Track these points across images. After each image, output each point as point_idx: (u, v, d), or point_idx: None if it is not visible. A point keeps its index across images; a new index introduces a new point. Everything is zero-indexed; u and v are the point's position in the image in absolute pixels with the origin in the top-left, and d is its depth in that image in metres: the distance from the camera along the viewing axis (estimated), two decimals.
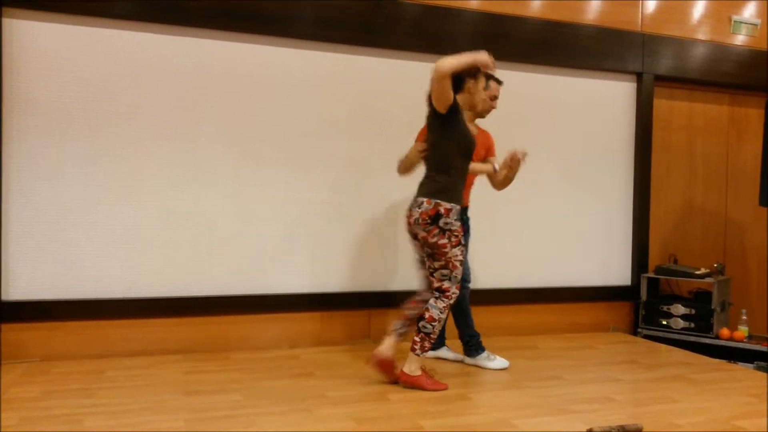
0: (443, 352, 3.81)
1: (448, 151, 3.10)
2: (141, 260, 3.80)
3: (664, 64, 4.92)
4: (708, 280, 4.52)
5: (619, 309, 4.89)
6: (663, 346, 4.38)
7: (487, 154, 3.67)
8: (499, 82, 3.64)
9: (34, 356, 3.60)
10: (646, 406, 2.99)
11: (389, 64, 4.26)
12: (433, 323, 3.11)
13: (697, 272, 4.58)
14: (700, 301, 4.61)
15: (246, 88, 3.97)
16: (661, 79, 4.96)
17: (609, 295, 4.85)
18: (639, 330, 4.72)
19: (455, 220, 3.08)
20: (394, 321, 3.29)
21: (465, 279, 3.60)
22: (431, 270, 3.14)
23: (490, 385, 3.31)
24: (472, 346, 3.66)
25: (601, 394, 3.17)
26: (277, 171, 4.04)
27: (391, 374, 3.22)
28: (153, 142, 3.81)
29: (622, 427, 2.60)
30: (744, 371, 3.73)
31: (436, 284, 3.13)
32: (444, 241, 3.06)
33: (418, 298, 3.26)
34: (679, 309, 4.56)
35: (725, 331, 4.44)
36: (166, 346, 3.83)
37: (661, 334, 4.60)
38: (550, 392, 3.20)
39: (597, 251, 4.87)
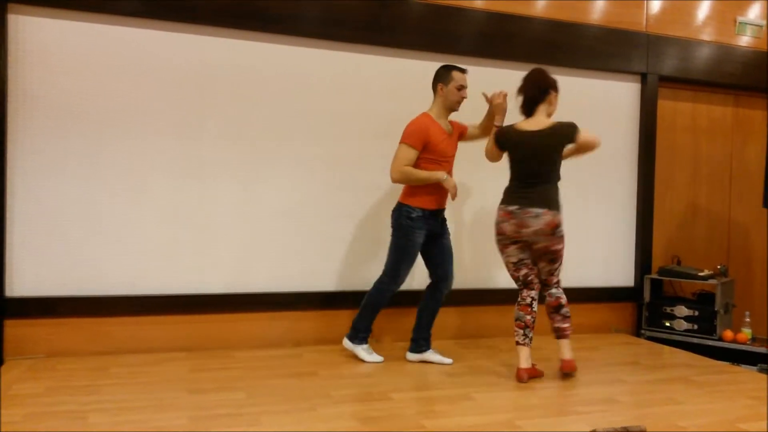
0: (428, 355, 3.75)
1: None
2: (145, 257, 3.80)
3: (669, 65, 4.91)
4: (711, 281, 4.52)
5: (622, 310, 4.88)
6: (665, 347, 4.38)
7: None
8: (463, 71, 3.62)
9: (39, 352, 3.61)
10: (649, 408, 2.99)
11: (395, 63, 4.26)
12: (567, 306, 3.49)
13: (701, 274, 4.57)
14: (703, 302, 4.61)
15: (251, 86, 3.97)
16: (665, 79, 4.95)
17: (612, 297, 4.85)
18: (642, 331, 4.71)
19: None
20: (516, 333, 3.45)
21: (444, 279, 3.72)
22: (553, 270, 3.47)
23: (494, 385, 3.31)
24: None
25: (605, 396, 3.17)
26: (282, 169, 4.04)
27: (540, 374, 3.48)
28: (157, 140, 3.82)
29: (626, 428, 2.59)
30: (747, 373, 3.73)
31: (556, 279, 3.49)
32: (562, 245, 3.45)
33: (523, 303, 3.48)
34: (683, 311, 4.56)
35: (728, 333, 4.43)
36: (170, 343, 3.83)
37: (664, 335, 4.59)
38: (554, 393, 3.20)
39: (600, 252, 4.86)
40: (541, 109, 3.46)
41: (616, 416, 2.84)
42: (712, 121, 5.26)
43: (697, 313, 4.51)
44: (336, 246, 4.17)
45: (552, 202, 3.36)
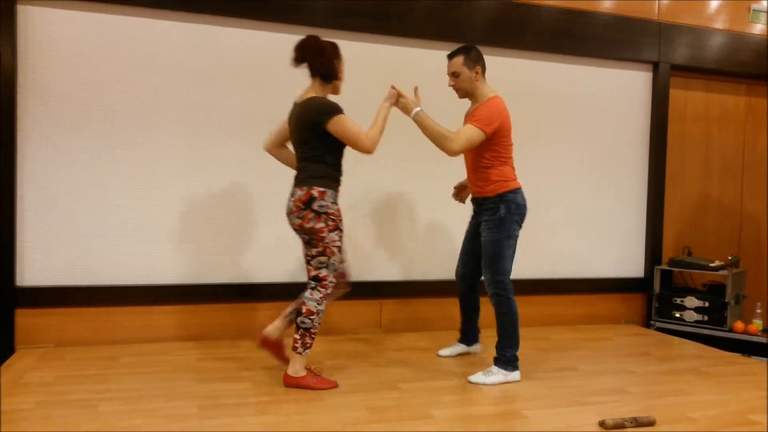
0: (476, 348, 3.69)
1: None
2: (154, 247, 3.81)
3: (681, 54, 4.86)
4: (722, 272, 4.49)
5: (632, 301, 4.86)
6: (675, 338, 4.36)
7: None
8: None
9: (49, 341, 3.63)
10: (659, 399, 2.98)
11: (405, 52, 4.23)
12: (311, 317, 2.94)
13: (712, 264, 4.53)
14: (713, 293, 4.57)
15: (261, 75, 3.96)
16: (677, 68, 4.90)
17: (622, 287, 4.83)
18: (652, 322, 4.69)
19: (331, 202, 2.95)
20: (289, 309, 3.14)
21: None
22: (310, 258, 3.01)
23: None
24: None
25: (614, 386, 3.16)
26: None
27: (280, 356, 3.17)
28: (167, 130, 3.82)
29: (635, 419, 2.59)
30: (758, 365, 3.70)
31: (312, 273, 2.99)
32: (321, 225, 2.93)
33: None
34: (693, 301, 4.53)
35: (739, 325, 4.40)
36: (179, 333, 3.85)
37: (674, 326, 4.57)
38: (563, 384, 3.19)
39: (610, 243, 4.83)
40: (316, 80, 3.04)
41: (626, 407, 2.83)
42: (724, 110, 5.20)
43: (707, 304, 4.48)
44: (346, 238, 4.16)
45: (309, 179, 2.94)
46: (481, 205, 3.35)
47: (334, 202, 2.97)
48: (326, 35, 4.02)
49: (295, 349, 2.97)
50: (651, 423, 2.60)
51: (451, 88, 3.35)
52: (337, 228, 2.96)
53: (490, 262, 3.21)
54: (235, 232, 3.96)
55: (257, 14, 3.90)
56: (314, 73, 3.03)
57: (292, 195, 2.98)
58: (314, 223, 2.91)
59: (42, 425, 2.43)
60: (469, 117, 3.32)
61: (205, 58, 3.87)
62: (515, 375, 3.20)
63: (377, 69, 4.17)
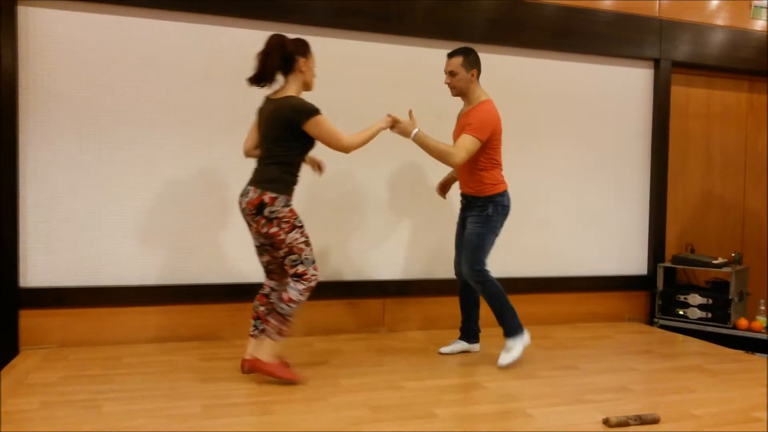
0: (476, 347, 3.74)
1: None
2: (156, 247, 3.82)
3: (682, 51, 4.85)
4: (725, 269, 4.48)
5: (635, 299, 4.85)
6: (679, 335, 4.35)
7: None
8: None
9: (53, 342, 3.64)
10: (662, 396, 2.97)
11: (405, 51, 4.23)
12: (291, 304, 2.96)
13: (715, 262, 4.53)
14: (717, 290, 4.56)
15: None
16: (678, 65, 4.89)
17: (625, 285, 4.82)
18: (655, 320, 4.68)
19: (282, 207, 2.98)
20: (254, 325, 3.17)
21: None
22: (279, 259, 3.07)
23: (506, 374, 3.30)
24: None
25: (618, 384, 3.15)
26: None
27: (269, 371, 3.03)
28: (168, 130, 3.82)
29: (639, 416, 2.58)
30: (762, 362, 3.69)
31: (291, 270, 3.01)
32: (275, 229, 2.98)
33: (261, 292, 3.22)
34: (696, 299, 4.52)
35: (743, 322, 4.39)
36: (182, 333, 3.85)
37: (677, 324, 4.56)
38: (566, 382, 3.18)
39: (613, 240, 4.83)
40: (290, 79, 3.08)
41: (629, 404, 2.83)
42: (726, 107, 5.19)
43: (710, 301, 4.48)
44: (346, 236, 4.17)
45: (261, 181, 3.00)
46: (470, 202, 3.54)
47: (286, 205, 3.01)
48: (326, 35, 4.05)
49: (269, 334, 2.99)
50: (655, 421, 2.59)
51: (447, 85, 3.49)
52: (294, 227, 3.00)
53: (472, 252, 3.44)
54: (238, 231, 3.95)
55: (257, 14, 3.89)
56: (285, 70, 3.07)
57: (245, 193, 3.04)
58: (268, 228, 2.98)
59: (45, 426, 2.44)
60: (462, 120, 3.49)
61: (205, 59, 3.87)
62: (527, 337, 3.47)
63: (377, 68, 4.17)
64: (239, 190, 3.90)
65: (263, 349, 3.01)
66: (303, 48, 3.09)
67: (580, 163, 4.73)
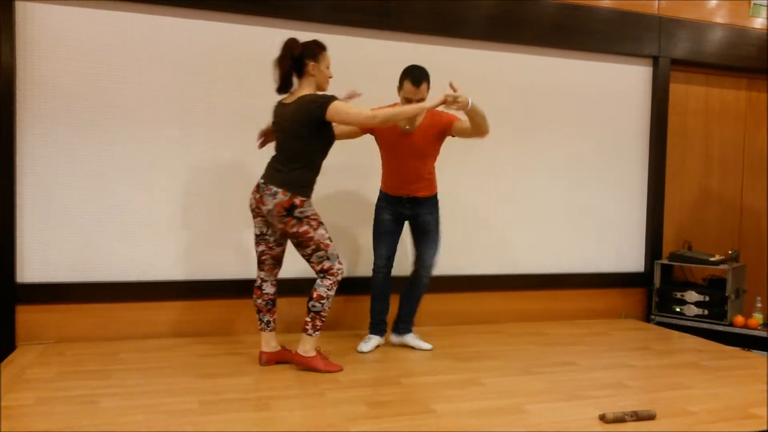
0: (409, 339, 3.76)
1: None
2: (154, 243, 3.82)
3: (681, 48, 4.85)
4: (722, 266, 4.49)
5: (632, 295, 4.86)
6: (675, 333, 4.36)
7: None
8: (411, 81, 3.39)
9: (50, 338, 3.64)
10: (659, 393, 2.98)
11: (404, 47, 4.22)
12: (321, 301, 3.12)
13: (712, 259, 4.54)
14: (714, 288, 4.58)
15: (260, 71, 3.95)
16: (677, 62, 4.90)
17: (622, 282, 4.83)
18: (652, 317, 4.69)
19: (309, 207, 3.12)
20: (259, 318, 3.29)
21: (419, 264, 3.69)
22: (306, 257, 3.16)
23: (503, 370, 3.31)
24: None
25: (614, 380, 3.16)
26: None
27: (291, 359, 3.24)
28: (166, 125, 3.81)
29: (635, 413, 2.59)
30: (758, 358, 3.70)
31: (317, 267, 3.14)
32: (305, 228, 3.09)
33: (255, 285, 3.31)
34: (693, 296, 4.53)
35: (739, 319, 4.41)
36: (179, 329, 3.85)
37: (674, 321, 4.57)
38: (563, 378, 3.19)
39: (610, 237, 4.83)
40: (303, 82, 3.13)
41: (626, 401, 2.83)
42: (724, 104, 5.19)
43: (707, 298, 4.49)
44: (342, 233, 4.17)
45: (290, 184, 3.06)
46: (422, 202, 3.64)
47: (311, 205, 3.14)
48: (326, 31, 4.05)
49: (305, 331, 3.15)
50: (651, 417, 2.60)
51: (410, 101, 3.39)
52: (320, 224, 3.14)
53: (436, 242, 3.70)
54: (236, 227, 3.95)
55: (256, 10, 3.89)
56: (297, 74, 3.14)
57: (273, 194, 3.04)
58: (298, 227, 3.08)
59: (43, 421, 2.44)
60: (439, 121, 3.50)
61: (205, 54, 3.86)
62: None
63: (376, 65, 4.17)
64: (238, 185, 3.93)
65: (303, 345, 3.17)
66: (313, 51, 3.12)
67: (578, 160, 4.73)
